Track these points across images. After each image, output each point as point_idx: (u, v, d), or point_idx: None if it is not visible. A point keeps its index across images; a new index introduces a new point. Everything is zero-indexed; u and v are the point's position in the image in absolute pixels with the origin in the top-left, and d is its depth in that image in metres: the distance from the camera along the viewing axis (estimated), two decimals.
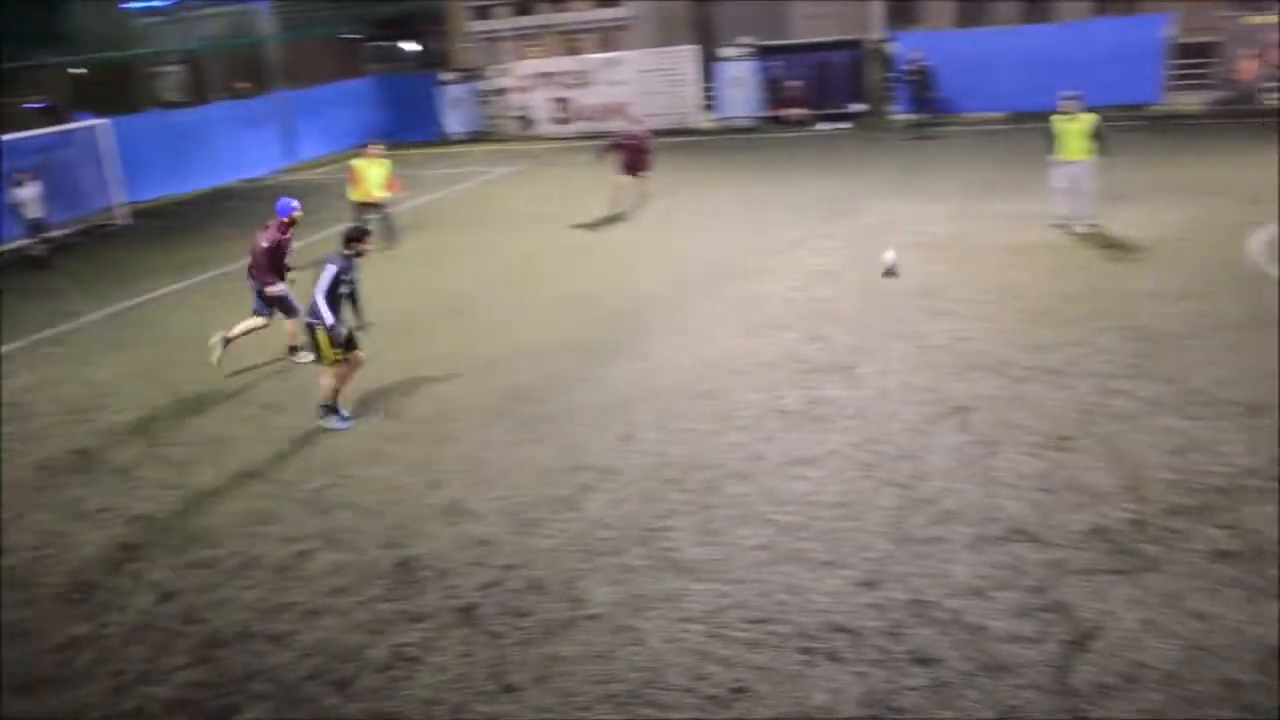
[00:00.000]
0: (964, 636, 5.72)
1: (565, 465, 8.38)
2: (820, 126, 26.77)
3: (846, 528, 6.97)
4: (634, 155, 17.48)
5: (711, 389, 9.66)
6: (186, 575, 7.36)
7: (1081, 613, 5.82)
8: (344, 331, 9.57)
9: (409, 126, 32.01)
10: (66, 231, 21.40)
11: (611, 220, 17.49)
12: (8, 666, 6.52)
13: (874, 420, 8.63)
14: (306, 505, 8.23)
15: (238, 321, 11.88)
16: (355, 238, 9.70)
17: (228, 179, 27.31)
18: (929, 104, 24.73)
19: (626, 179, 17.58)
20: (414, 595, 6.74)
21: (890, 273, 12.73)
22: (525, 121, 30.66)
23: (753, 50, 28.01)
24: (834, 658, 5.66)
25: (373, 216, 16.07)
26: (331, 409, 9.75)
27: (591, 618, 6.26)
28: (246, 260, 11.83)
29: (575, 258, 15.16)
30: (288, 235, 11.48)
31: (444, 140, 31.67)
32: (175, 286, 16.35)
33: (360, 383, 10.85)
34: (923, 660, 5.56)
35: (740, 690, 5.48)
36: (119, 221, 22.90)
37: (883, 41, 27.08)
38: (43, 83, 40.21)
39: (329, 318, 9.41)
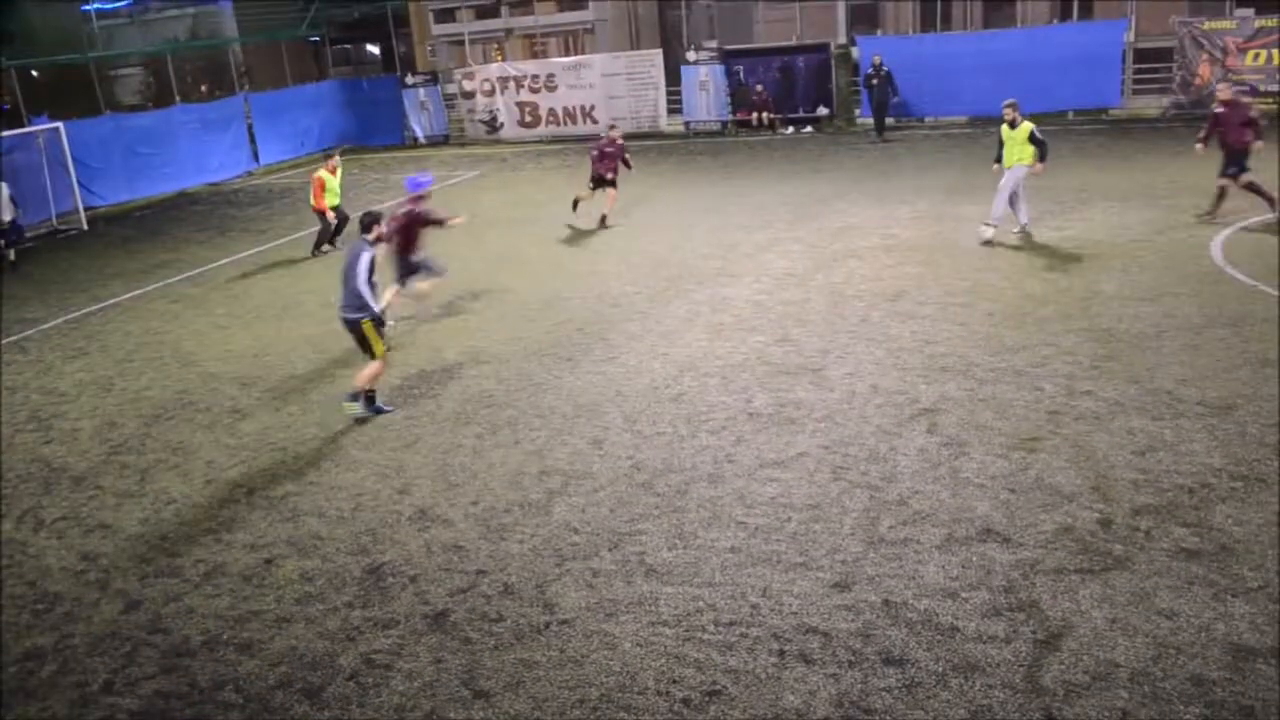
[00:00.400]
0: (935, 637, 5.75)
1: (535, 470, 8.34)
2: (786, 130, 26.90)
3: (817, 530, 6.99)
4: (605, 163, 17.03)
5: (681, 392, 9.67)
6: (152, 584, 7.26)
7: (1051, 612, 5.87)
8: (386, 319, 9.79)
9: (374, 130, 31.85)
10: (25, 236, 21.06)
11: (579, 224, 17.45)
12: None
13: (843, 423, 8.67)
14: (274, 512, 8.13)
15: (207, 326, 11.74)
16: (374, 222, 9.76)
17: (191, 183, 27.01)
18: (888, 108, 24.96)
19: (597, 187, 17.18)
20: (384, 602, 6.68)
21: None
22: (491, 125, 30.54)
23: (718, 54, 28.10)
24: (807, 659, 5.67)
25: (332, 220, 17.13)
26: (371, 397, 9.82)
27: (564, 622, 6.23)
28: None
29: (543, 261, 15.12)
30: (422, 208, 12.38)
31: (410, 144, 31.51)
32: (136, 291, 16.12)
33: (326, 388, 10.78)
34: (894, 661, 5.58)
35: (713, 693, 5.47)
36: (79, 226, 22.56)
37: (848, 45, 27.26)
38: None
39: (377, 306, 9.59)
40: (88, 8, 43.63)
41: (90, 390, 11.61)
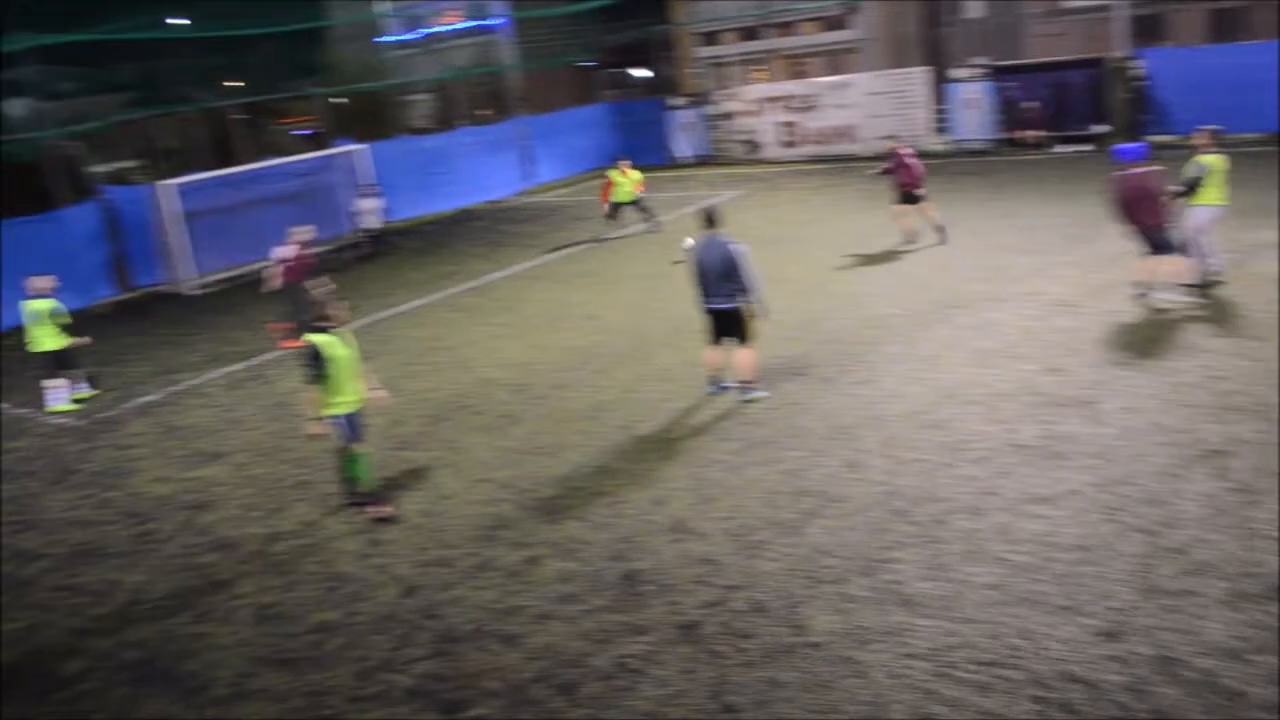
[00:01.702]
0: (1217, 700, 5.32)
1: (789, 489, 8.37)
2: (1059, 149, 25.57)
3: (1086, 573, 6.62)
4: (908, 178, 16.35)
5: (942, 419, 9.41)
6: (427, 572, 7.84)
7: None
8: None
9: (640, 151, 32.70)
10: (329, 248, 23.27)
11: (842, 244, 17.31)
12: (267, 640, 7.16)
13: (1118, 460, 8.16)
14: (539, 513, 8.59)
15: (484, 334, 12.45)
16: (716, 216, 10.41)
17: (471, 200, 28.84)
18: (1143, 125, 23.34)
19: (905, 206, 16.56)
20: (638, 608, 6.91)
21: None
22: (752, 145, 30.79)
23: (987, 70, 27.11)
24: (1069, 709, 5.39)
25: (631, 210, 20.99)
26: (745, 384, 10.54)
27: (813, 645, 6.23)
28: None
29: (803, 281, 15.09)
30: (1151, 179, 11.79)
31: (673, 164, 32.27)
32: (422, 300, 17.40)
33: (590, 396, 11.24)
34: None
35: None
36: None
37: (1126, 59, 25.58)
38: (309, 111, 43.88)
39: (756, 294, 10.28)
40: (382, 40, 47.63)
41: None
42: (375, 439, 10.90)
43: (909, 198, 16.42)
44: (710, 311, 10.42)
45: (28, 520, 10.13)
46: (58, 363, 13.70)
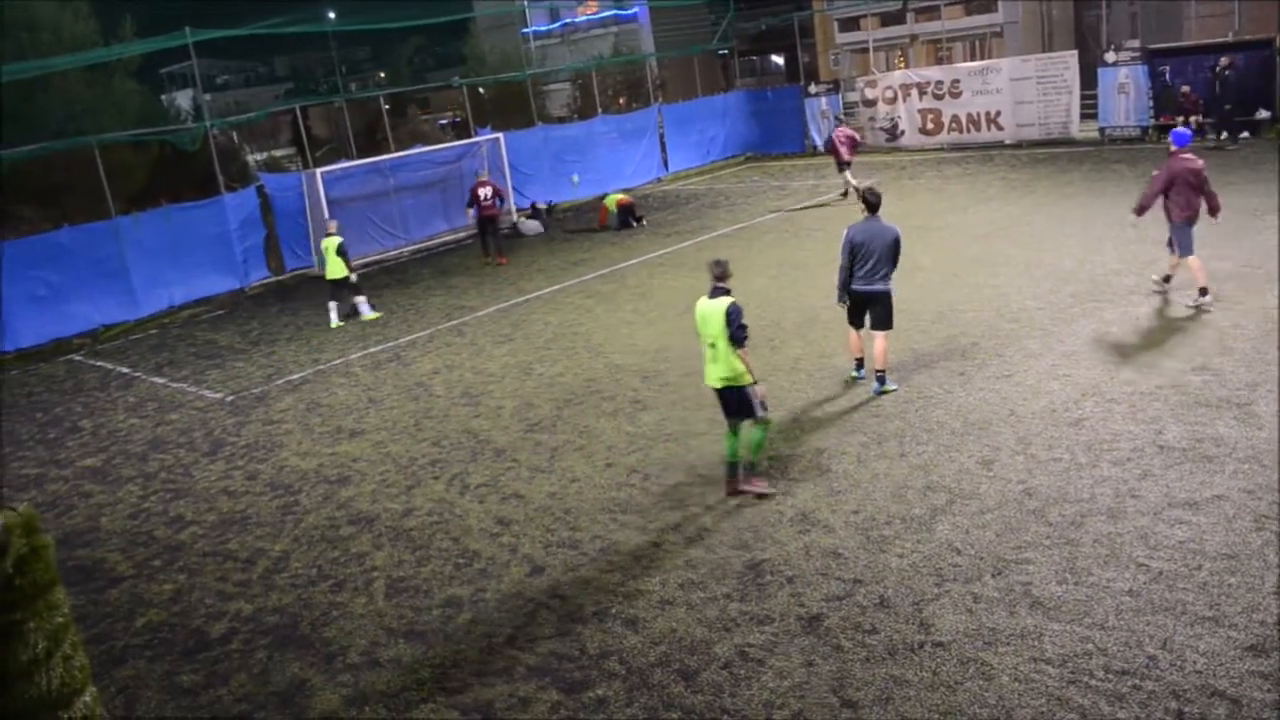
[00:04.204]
0: None
1: (920, 484, 8.21)
2: (1219, 136, 24.21)
3: (1233, 583, 6.30)
4: (840, 151, 22.19)
5: (1082, 417, 9.07)
6: (554, 553, 7.99)
7: None
8: None
9: (776, 139, 32.67)
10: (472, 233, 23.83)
11: (979, 234, 16.85)
12: (398, 612, 7.42)
13: (1272, 466, 7.71)
14: (664, 498, 8.65)
15: (616, 321, 12.60)
16: (877, 198, 10.25)
17: (607, 188, 29.07)
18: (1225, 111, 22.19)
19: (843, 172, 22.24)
20: (761, 598, 6.89)
21: None
22: (891, 133, 30.16)
23: (1140, 54, 25.85)
24: None
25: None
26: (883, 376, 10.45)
27: (939, 644, 6.11)
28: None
29: (938, 271, 14.74)
30: (1195, 164, 11.59)
31: (810, 152, 31.91)
32: (556, 286, 17.69)
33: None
34: None
35: None
36: (511, 225, 25.08)
37: None
38: (453, 102, 45.05)
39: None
40: (526, 30, 48.45)
41: (513, 373, 12.94)
42: (507, 420, 11.18)
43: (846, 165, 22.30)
44: (860, 293, 10.19)
45: (181, 489, 10.77)
46: (348, 287, 17.23)
